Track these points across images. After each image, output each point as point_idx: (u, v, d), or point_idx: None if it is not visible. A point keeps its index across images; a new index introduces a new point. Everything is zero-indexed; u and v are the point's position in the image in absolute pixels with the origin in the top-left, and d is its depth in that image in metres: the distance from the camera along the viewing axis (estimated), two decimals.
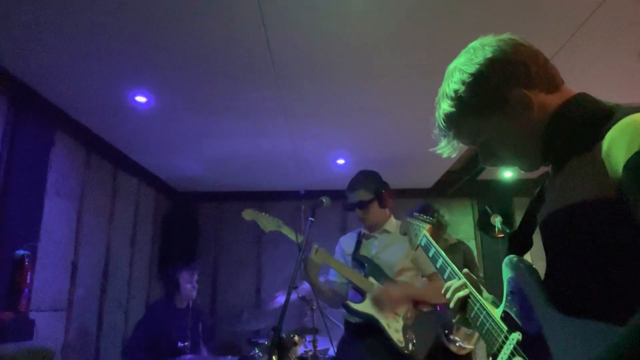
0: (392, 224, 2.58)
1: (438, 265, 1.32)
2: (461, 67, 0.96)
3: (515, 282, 0.98)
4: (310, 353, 3.56)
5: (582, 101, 0.90)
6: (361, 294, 2.37)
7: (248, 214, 2.48)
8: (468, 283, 1.16)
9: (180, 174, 4.89)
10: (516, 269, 0.99)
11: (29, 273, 2.78)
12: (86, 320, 3.64)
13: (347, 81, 2.91)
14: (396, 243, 2.48)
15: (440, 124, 1.01)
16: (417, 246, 1.51)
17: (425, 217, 1.68)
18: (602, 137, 0.79)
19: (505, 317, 0.99)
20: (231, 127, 3.62)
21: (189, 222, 5.36)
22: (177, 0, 2.11)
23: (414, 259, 2.45)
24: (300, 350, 3.53)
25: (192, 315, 3.49)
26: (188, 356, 3.28)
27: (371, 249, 2.53)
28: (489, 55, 0.93)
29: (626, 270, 0.77)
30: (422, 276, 2.50)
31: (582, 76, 2.87)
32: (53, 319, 3.20)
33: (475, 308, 1.09)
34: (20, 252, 2.75)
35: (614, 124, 0.79)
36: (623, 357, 0.64)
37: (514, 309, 0.97)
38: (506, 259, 1.02)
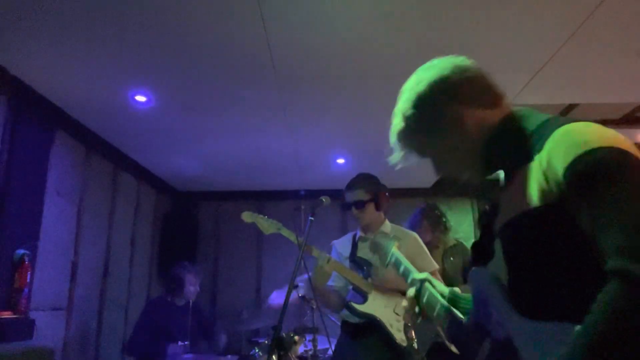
0: (388, 227, 2.59)
1: (408, 282, 1.43)
2: (408, 88, 1.09)
3: (480, 292, 1.03)
4: (310, 352, 3.56)
5: (516, 117, 1.00)
6: (362, 295, 2.38)
7: (247, 216, 2.46)
8: (430, 287, 1.28)
9: (180, 173, 4.90)
10: (480, 279, 1.04)
11: (29, 273, 2.78)
12: (86, 320, 3.64)
13: (347, 81, 2.91)
14: None
15: (392, 139, 1.13)
16: (388, 264, 1.64)
17: (389, 236, 1.86)
18: (540, 149, 0.88)
19: (476, 326, 1.03)
20: (231, 126, 3.62)
21: (189, 222, 5.36)
22: (177, 0, 2.12)
23: (411, 260, 2.45)
24: (300, 349, 3.53)
25: (192, 314, 3.49)
26: (188, 356, 3.28)
27: (368, 250, 2.53)
28: (430, 77, 1.04)
29: (576, 272, 0.82)
30: None
31: (582, 75, 2.88)
32: (53, 318, 3.20)
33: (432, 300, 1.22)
34: (20, 252, 2.76)
35: (549, 135, 0.87)
36: (582, 354, 0.67)
37: (483, 318, 1.00)
38: (471, 271, 1.08)
